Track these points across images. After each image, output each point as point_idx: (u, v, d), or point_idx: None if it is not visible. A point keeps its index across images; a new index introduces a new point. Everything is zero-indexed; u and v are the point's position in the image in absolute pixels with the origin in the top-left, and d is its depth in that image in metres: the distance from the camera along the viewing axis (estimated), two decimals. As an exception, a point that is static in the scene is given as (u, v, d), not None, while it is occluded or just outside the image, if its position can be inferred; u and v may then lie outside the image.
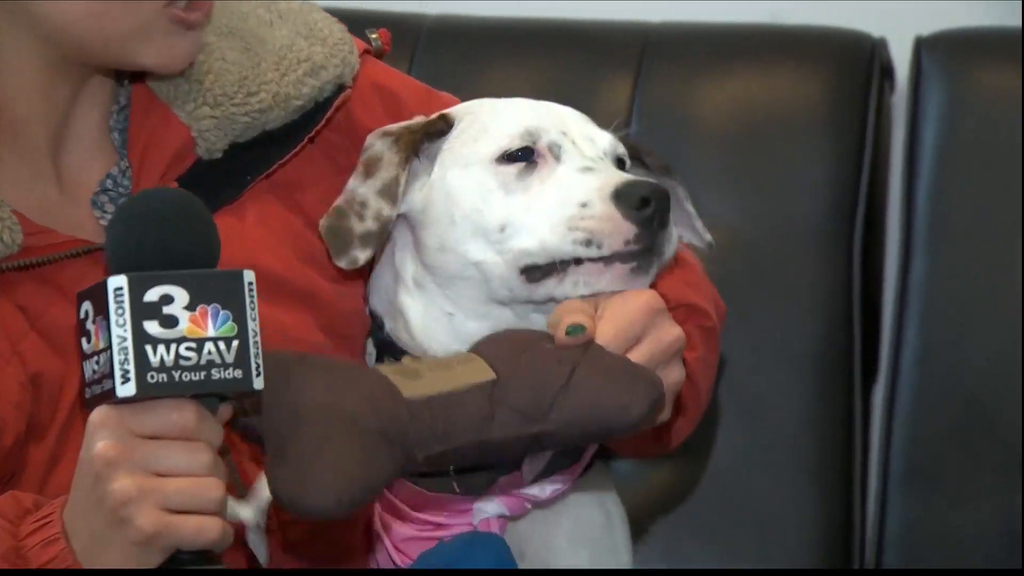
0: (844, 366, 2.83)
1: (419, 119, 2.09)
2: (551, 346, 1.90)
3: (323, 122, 2.10)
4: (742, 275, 2.82)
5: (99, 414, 1.73)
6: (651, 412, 1.87)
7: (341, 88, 2.10)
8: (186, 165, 2.00)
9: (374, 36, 2.20)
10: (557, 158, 2.03)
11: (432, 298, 2.07)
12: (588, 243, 1.96)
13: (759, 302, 2.83)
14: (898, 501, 2.81)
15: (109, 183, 2.04)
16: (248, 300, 1.74)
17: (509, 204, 2.02)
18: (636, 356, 1.94)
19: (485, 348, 1.93)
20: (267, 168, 2.08)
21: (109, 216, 2.02)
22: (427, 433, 1.85)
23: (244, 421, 1.82)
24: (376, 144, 2.05)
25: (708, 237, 2.19)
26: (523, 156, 2.03)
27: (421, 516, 2.03)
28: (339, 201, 2.04)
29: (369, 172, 2.03)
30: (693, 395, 2.13)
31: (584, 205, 1.97)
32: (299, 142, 2.08)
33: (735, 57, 2.94)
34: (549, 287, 2.00)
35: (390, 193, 2.02)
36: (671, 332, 1.98)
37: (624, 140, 2.12)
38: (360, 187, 2.02)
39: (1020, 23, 2.92)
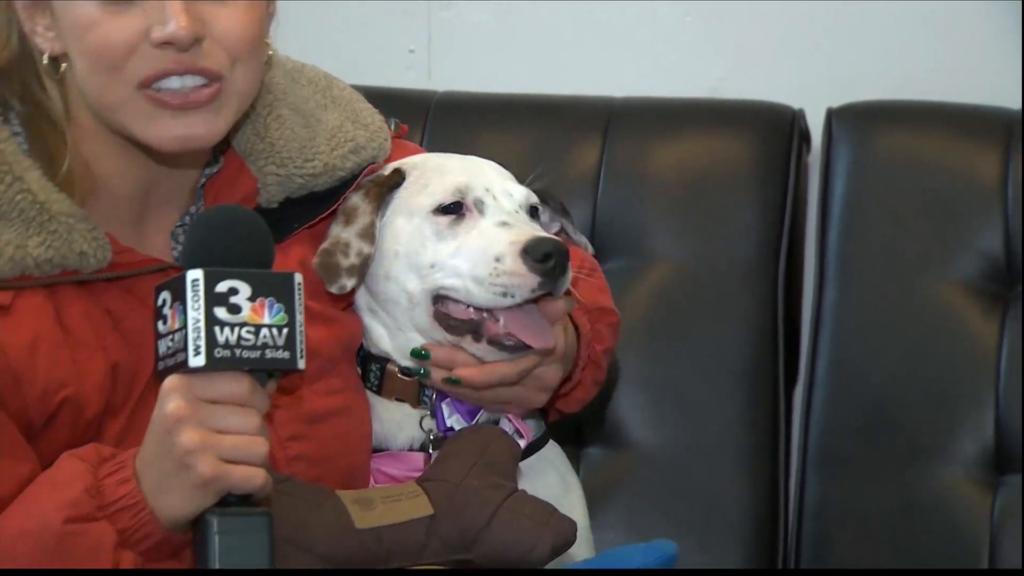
0: (770, 374, 2.90)
1: (380, 173, 2.20)
2: (477, 483, 1.98)
3: (354, 186, 2.18)
4: (686, 302, 2.91)
5: (171, 381, 1.81)
6: (554, 553, 1.94)
7: (374, 162, 2.21)
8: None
9: (394, 123, 2.30)
10: (481, 212, 2.14)
11: (381, 317, 2.19)
12: (504, 295, 2.09)
13: (700, 323, 2.90)
14: (814, 482, 2.88)
15: (187, 219, 2.13)
16: (297, 297, 1.80)
17: (440, 248, 2.14)
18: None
19: (437, 467, 2.03)
20: (310, 220, 2.17)
21: (182, 246, 2.10)
22: (370, 558, 1.92)
23: None
24: (352, 198, 2.17)
25: (591, 249, 2.34)
26: (454, 208, 2.14)
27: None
28: (326, 244, 2.15)
29: (348, 220, 2.15)
30: (598, 374, 2.29)
31: (498, 259, 2.09)
32: (337, 200, 2.18)
33: (683, 126, 3.01)
34: (466, 342, 2.13)
35: (368, 235, 2.15)
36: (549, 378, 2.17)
37: (538, 187, 2.23)
38: (343, 232, 2.15)
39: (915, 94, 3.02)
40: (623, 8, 3.20)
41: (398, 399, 2.20)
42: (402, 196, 2.18)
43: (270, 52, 2.09)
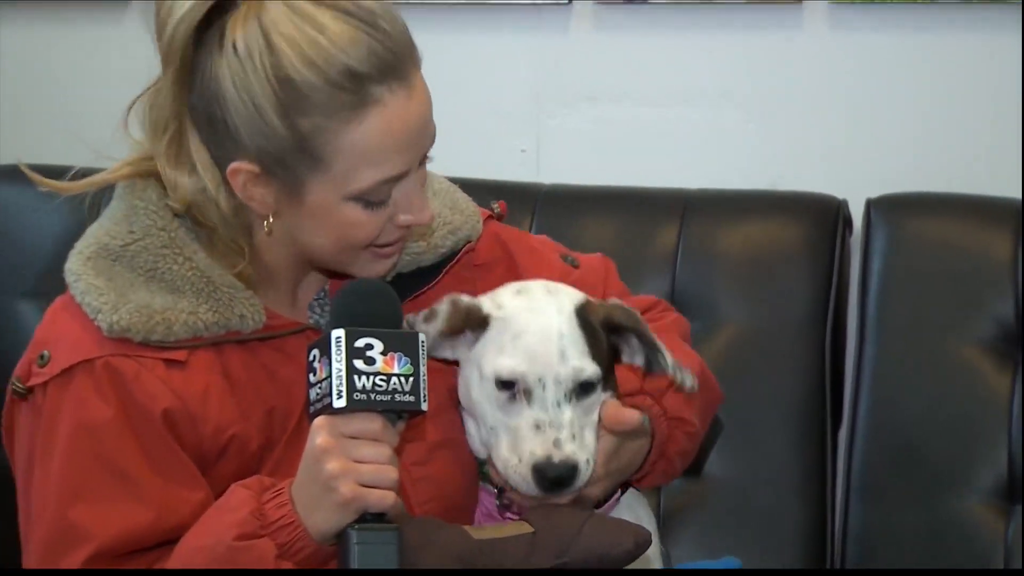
0: (819, 417, 3.05)
1: (475, 304, 2.13)
2: (566, 507, 2.06)
3: (453, 262, 2.24)
4: (750, 357, 3.07)
5: (319, 420, 1.93)
6: (636, 550, 2.00)
7: (469, 242, 2.28)
8: None
9: (495, 205, 2.37)
10: (528, 402, 2.10)
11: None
12: (516, 486, 2.12)
13: (762, 373, 3.06)
14: (856, 508, 3.01)
15: (322, 294, 2.23)
16: (421, 352, 1.91)
17: (496, 417, 2.14)
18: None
19: (533, 512, 2.09)
20: (416, 292, 2.23)
21: (317, 315, 2.20)
22: (486, 560, 1.99)
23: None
24: (442, 305, 2.13)
25: (689, 383, 2.19)
26: (510, 386, 2.12)
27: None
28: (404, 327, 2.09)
29: (428, 319, 2.15)
30: (669, 468, 2.28)
31: (519, 460, 2.10)
32: (439, 274, 2.24)
33: (746, 213, 3.17)
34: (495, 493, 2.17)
35: (431, 342, 2.11)
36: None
37: (619, 314, 2.15)
38: (421, 324, 2.13)
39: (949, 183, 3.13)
40: (696, 116, 3.34)
41: None
42: (484, 346, 2.15)
43: None
